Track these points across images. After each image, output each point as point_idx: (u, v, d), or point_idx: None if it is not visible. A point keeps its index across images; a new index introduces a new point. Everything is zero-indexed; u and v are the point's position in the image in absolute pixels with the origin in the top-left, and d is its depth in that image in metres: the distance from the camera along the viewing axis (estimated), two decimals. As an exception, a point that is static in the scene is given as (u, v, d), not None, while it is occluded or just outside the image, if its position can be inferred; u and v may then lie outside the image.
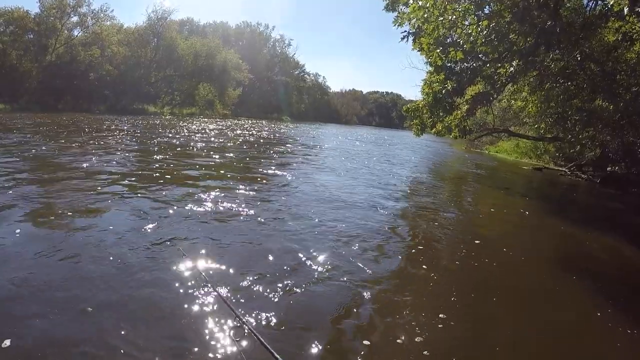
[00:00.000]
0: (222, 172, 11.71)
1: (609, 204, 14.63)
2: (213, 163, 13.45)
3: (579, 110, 16.19)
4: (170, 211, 7.10)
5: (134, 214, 6.77)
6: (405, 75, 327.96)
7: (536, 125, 21.91)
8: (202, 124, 35.23)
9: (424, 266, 5.91)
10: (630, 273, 6.78)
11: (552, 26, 10.38)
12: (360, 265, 5.61)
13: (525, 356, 3.95)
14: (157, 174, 10.37)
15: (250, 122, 49.57)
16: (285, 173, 12.60)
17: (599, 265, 7.07)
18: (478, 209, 11.04)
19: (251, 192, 9.32)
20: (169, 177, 10.15)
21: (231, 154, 16.07)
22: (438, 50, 14.69)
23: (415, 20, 14.28)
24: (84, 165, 10.73)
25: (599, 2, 12.75)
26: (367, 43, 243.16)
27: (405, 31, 14.75)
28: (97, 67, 48.82)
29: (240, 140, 22.88)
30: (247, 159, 15.26)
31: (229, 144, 19.77)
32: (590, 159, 20.50)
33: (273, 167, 13.56)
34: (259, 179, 11.24)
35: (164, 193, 8.41)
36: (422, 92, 19.64)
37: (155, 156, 13.52)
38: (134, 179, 9.63)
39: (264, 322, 3.85)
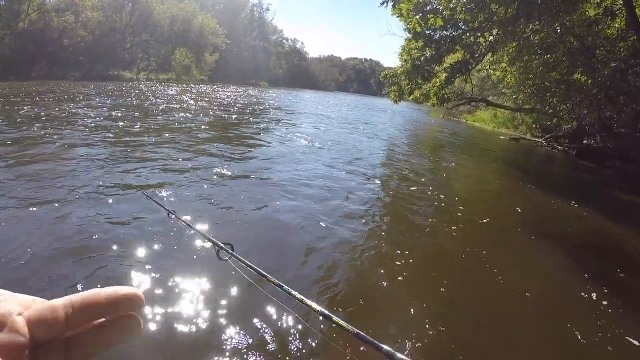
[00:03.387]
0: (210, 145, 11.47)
1: (585, 176, 14.64)
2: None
3: (558, 82, 16.09)
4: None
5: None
6: (385, 42, 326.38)
7: (514, 96, 21.89)
8: (179, 91, 34.60)
9: (400, 230, 5.87)
10: (609, 244, 6.74)
11: (533, -3, 10.17)
12: (337, 218, 5.84)
13: (495, 318, 3.87)
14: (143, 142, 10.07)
15: (231, 88, 48.90)
16: (269, 141, 12.41)
17: (577, 237, 6.99)
18: (455, 177, 10.86)
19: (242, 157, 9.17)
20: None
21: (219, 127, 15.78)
22: (417, 17, 14.39)
23: (395, -15, 13.97)
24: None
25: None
26: (347, 8, 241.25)
27: (385, -4, 14.42)
28: (71, 33, 47.20)
29: (224, 109, 22.50)
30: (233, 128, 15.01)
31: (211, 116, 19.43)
32: (566, 131, 20.53)
33: (255, 134, 13.48)
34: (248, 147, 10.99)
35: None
36: (400, 58, 19.44)
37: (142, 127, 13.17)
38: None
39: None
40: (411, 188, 8.67)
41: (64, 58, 44.80)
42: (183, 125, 13.66)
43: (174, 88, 36.55)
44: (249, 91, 45.06)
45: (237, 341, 3.22)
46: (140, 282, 3.92)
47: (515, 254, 5.79)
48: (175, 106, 20.09)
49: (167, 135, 11.43)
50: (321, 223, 5.81)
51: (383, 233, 5.85)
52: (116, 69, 49.73)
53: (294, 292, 2.15)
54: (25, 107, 14.28)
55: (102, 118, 13.33)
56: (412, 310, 3.91)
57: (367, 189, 8.24)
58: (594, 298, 4.54)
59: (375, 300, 4.08)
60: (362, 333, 1.67)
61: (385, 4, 14.44)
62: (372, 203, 7.33)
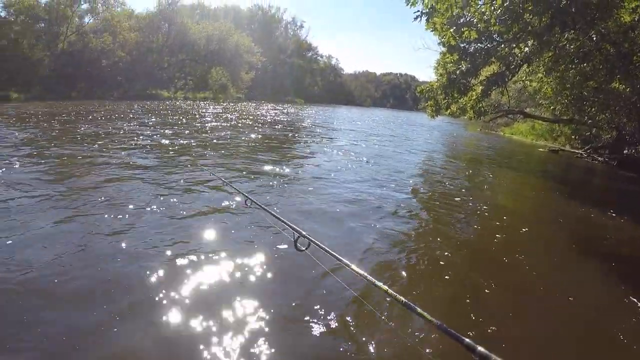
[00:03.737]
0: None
1: (625, 186, 14.37)
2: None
3: (596, 91, 15.89)
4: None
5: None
6: (420, 56, 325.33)
7: (552, 107, 21.63)
8: (220, 109, 35.59)
9: (444, 234, 6.17)
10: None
11: (567, 5, 10.11)
12: (382, 229, 6.13)
13: (539, 335, 3.88)
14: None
15: (270, 106, 49.80)
16: (318, 156, 13.20)
17: (616, 247, 6.95)
18: (495, 189, 10.84)
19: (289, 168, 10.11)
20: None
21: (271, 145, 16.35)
22: (451, 30, 14.43)
23: (428, -1, 14.05)
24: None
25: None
26: (380, 23, 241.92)
27: (418, 11, 14.48)
28: (110, 54, 48.57)
29: (267, 126, 23.12)
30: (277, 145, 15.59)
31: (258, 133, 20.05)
32: (606, 141, 20.20)
33: (302, 149, 14.56)
34: (291, 160, 11.74)
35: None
36: (435, 73, 19.48)
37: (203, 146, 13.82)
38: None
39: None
40: (455, 199, 8.89)
41: (102, 78, 46.07)
42: (235, 141, 14.62)
43: (217, 106, 37.94)
44: (288, 109, 45.89)
45: (317, 330, 3.45)
46: (214, 268, 4.37)
47: (555, 260, 5.85)
48: (224, 124, 21.12)
49: (222, 151, 12.21)
50: (372, 226, 6.25)
51: (428, 237, 6.17)
52: (154, 88, 50.83)
53: (378, 283, 2.29)
54: (82, 126, 15.45)
55: (158, 135, 14.39)
56: (457, 305, 4.19)
57: (411, 197, 8.72)
58: (634, 304, 4.56)
59: (422, 295, 4.34)
60: (444, 325, 1.76)
61: (419, 19, 14.49)
62: (417, 210, 7.75)
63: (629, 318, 4.26)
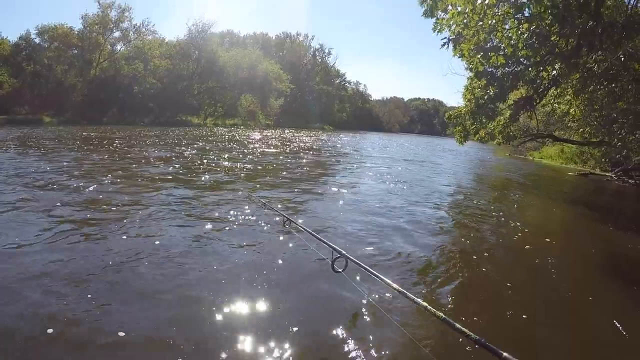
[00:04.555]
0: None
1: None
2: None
3: (625, 112, 15.83)
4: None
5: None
6: (447, 81, 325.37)
7: (581, 130, 21.50)
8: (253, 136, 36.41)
9: (476, 249, 6.60)
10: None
11: (593, 27, 10.26)
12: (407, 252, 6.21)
13: (568, 335, 4.14)
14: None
15: (302, 133, 50.63)
16: (357, 179, 14.25)
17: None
18: (523, 216, 10.85)
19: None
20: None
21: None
22: (479, 56, 14.59)
23: (455, 26, 14.25)
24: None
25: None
26: (407, 49, 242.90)
27: (445, 37, 14.70)
28: (141, 81, 49.90)
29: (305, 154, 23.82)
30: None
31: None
32: (637, 163, 20.02)
33: (346, 172, 16.01)
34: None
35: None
36: (463, 98, 19.54)
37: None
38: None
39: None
40: (485, 222, 9.19)
41: (133, 104, 47.36)
42: (287, 165, 16.18)
43: (254, 133, 40.05)
44: (321, 136, 46.56)
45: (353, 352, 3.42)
46: (253, 288, 4.40)
47: (586, 294, 5.90)
48: (272, 150, 22.98)
49: (283, 173, 13.77)
50: (407, 248, 6.44)
51: (461, 248, 6.69)
52: (184, 115, 51.91)
53: (417, 300, 2.44)
54: (147, 149, 17.36)
55: (220, 160, 15.92)
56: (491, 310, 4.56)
57: (445, 216, 9.38)
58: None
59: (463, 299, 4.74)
60: (482, 340, 1.88)
61: (446, 46, 14.73)
62: (450, 227, 8.45)
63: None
